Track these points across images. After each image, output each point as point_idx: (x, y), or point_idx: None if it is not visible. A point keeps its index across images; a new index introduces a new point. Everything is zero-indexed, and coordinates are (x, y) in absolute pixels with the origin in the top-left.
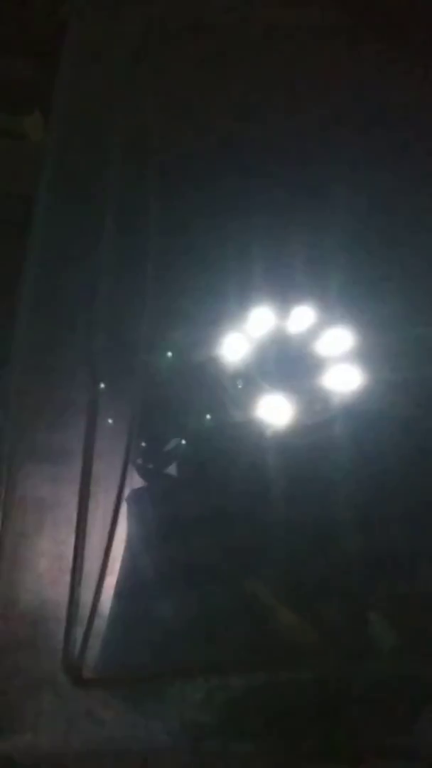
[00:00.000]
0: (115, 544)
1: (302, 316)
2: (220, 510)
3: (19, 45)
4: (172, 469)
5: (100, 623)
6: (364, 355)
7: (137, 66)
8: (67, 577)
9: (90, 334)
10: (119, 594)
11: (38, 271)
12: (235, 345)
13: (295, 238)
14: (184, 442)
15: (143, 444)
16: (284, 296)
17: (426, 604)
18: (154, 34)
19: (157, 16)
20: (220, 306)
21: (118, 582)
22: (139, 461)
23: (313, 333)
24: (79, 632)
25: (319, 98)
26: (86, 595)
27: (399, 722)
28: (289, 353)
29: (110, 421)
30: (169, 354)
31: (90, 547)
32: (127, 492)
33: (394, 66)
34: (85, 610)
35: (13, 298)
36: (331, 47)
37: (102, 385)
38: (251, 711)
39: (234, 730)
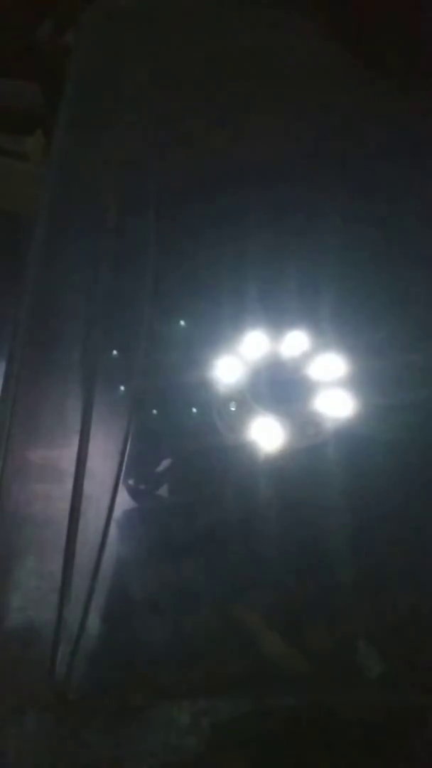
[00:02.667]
0: (104, 564)
1: (296, 341)
2: (210, 533)
3: (23, 68)
4: (163, 491)
5: (88, 644)
6: (356, 380)
7: (140, 90)
8: (55, 597)
9: (85, 354)
10: (107, 615)
11: (34, 294)
12: (229, 368)
13: (291, 263)
14: (176, 464)
15: (134, 463)
16: (278, 321)
17: (415, 631)
18: (158, 61)
19: (161, 43)
20: (214, 329)
21: (106, 603)
22: (130, 482)
23: (307, 357)
24: (65, 653)
25: (317, 124)
26: (74, 616)
27: (389, 749)
28: (282, 377)
29: (103, 441)
30: (164, 376)
31: (79, 567)
32: (117, 513)
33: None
34: (72, 630)
35: (8, 316)
36: (336, 76)
37: (95, 406)
38: (238, 736)
39: (220, 756)
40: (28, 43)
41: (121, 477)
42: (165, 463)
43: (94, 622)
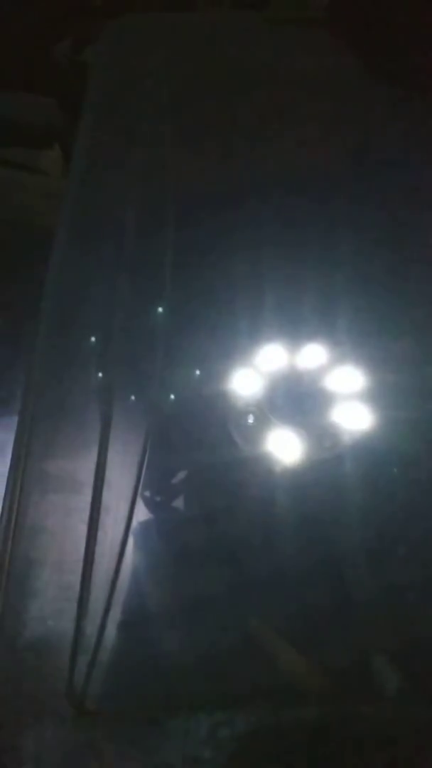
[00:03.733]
0: (122, 575)
1: (313, 354)
2: (226, 545)
3: (42, 83)
4: (179, 503)
5: (105, 655)
6: (374, 392)
7: (157, 105)
8: (74, 607)
9: (103, 366)
10: (124, 626)
11: (53, 305)
12: (246, 380)
13: (307, 277)
14: (192, 475)
15: (150, 475)
16: (295, 333)
17: None
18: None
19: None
20: (232, 342)
21: (123, 614)
22: (147, 494)
23: (324, 370)
24: (83, 663)
25: (329, 137)
26: (92, 626)
27: (406, 765)
28: (299, 389)
29: (121, 452)
30: (181, 388)
31: (97, 578)
32: (134, 524)
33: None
34: (90, 640)
35: (27, 329)
36: (341, 92)
37: (113, 417)
38: (256, 749)
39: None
40: (46, 60)
41: (140, 488)
42: (181, 475)
43: (112, 633)
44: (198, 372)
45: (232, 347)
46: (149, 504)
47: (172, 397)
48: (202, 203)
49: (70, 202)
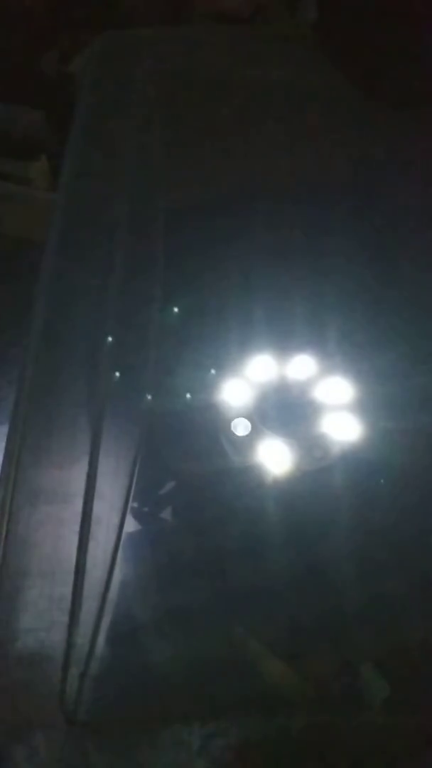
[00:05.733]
0: (113, 586)
1: (303, 365)
2: (215, 555)
3: (28, 94)
4: (166, 513)
5: (97, 666)
6: (363, 403)
7: (147, 118)
8: (65, 618)
9: (94, 377)
10: (115, 637)
11: (45, 317)
12: (236, 390)
13: (298, 288)
14: (180, 486)
15: (139, 487)
16: (286, 344)
17: (419, 656)
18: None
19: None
20: (222, 352)
21: (114, 625)
22: (135, 505)
23: (314, 381)
24: (75, 674)
25: (320, 150)
26: (84, 637)
27: None
28: (289, 400)
29: (112, 463)
30: (171, 396)
31: (89, 589)
32: (123, 535)
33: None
34: (82, 652)
35: (18, 342)
36: (327, 106)
37: (104, 427)
38: (249, 759)
39: None
40: (33, 71)
41: (131, 498)
42: (168, 486)
43: (103, 644)
44: (189, 382)
45: (222, 357)
46: (137, 515)
47: (188, 396)
48: (193, 214)
49: (59, 212)
